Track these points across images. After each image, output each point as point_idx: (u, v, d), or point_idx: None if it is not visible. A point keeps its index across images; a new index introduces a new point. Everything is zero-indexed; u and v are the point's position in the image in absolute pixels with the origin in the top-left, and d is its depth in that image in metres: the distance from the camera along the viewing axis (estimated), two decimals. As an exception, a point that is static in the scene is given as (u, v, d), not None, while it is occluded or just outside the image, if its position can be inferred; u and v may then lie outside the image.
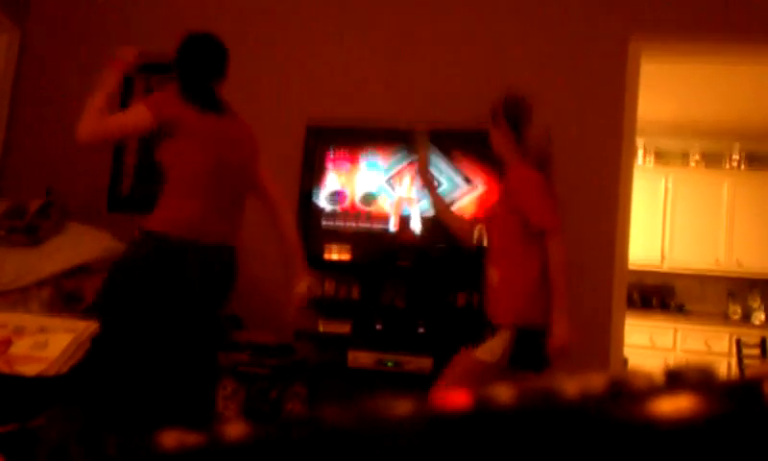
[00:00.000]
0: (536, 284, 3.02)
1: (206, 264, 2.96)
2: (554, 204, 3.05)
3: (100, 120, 2.90)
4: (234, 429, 0.28)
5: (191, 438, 0.29)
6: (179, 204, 2.95)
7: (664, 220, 7.38)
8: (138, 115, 2.93)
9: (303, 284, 3.30)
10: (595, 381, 0.27)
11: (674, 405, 0.26)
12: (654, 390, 0.27)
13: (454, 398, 0.28)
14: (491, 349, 3.02)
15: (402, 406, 0.28)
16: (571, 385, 0.27)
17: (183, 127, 2.94)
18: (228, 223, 3.06)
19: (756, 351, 6.07)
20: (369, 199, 4.46)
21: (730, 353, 6.77)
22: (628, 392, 0.27)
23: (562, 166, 4.37)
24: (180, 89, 3.03)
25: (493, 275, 3.13)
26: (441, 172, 4.40)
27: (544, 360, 2.99)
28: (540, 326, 3.01)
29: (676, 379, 0.27)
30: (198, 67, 3.07)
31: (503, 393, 0.27)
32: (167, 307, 2.91)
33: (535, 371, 2.96)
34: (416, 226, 4.37)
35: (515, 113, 3.12)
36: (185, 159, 2.96)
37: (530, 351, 2.98)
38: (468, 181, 4.35)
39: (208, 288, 2.99)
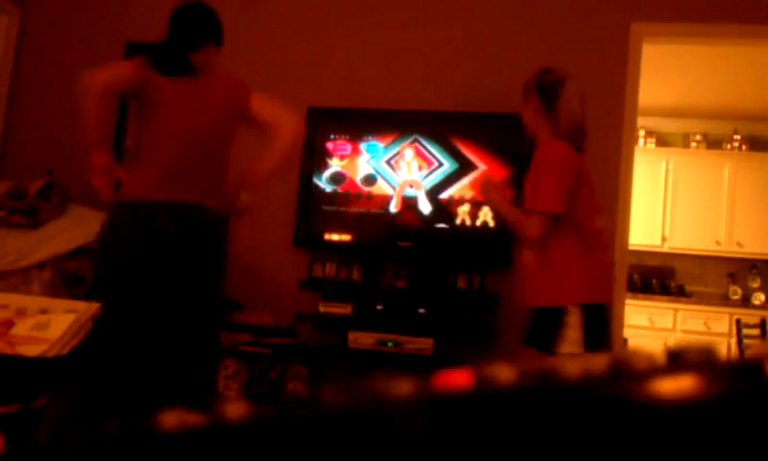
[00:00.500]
0: (576, 258, 2.93)
1: (172, 224, 2.86)
2: (565, 187, 2.93)
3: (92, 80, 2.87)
4: (235, 409, 0.29)
5: (192, 418, 0.29)
6: (140, 171, 2.92)
7: (665, 202, 7.38)
8: (124, 65, 2.99)
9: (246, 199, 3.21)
10: (596, 361, 0.27)
11: (675, 385, 0.26)
12: (655, 370, 0.27)
13: (455, 378, 0.28)
14: (571, 340, 2.90)
15: (403, 386, 0.28)
16: (572, 365, 0.27)
17: (148, 93, 2.92)
18: (197, 186, 2.93)
19: (756, 332, 6.08)
20: (369, 180, 4.46)
21: (729, 334, 6.78)
22: (629, 372, 0.27)
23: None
24: (147, 56, 3.00)
25: (528, 256, 3.04)
26: (441, 155, 4.40)
27: (606, 338, 2.91)
28: (599, 299, 2.93)
29: (677, 359, 0.27)
30: (171, 34, 3.05)
31: (504, 373, 0.27)
32: (140, 274, 2.86)
33: (599, 349, 2.85)
34: (424, 207, 4.37)
35: (546, 87, 3.04)
36: (147, 126, 2.94)
37: (598, 328, 2.90)
38: (467, 163, 4.35)
39: (181, 249, 2.88)
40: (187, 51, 3.02)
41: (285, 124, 3.07)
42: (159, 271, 2.86)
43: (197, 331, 3.01)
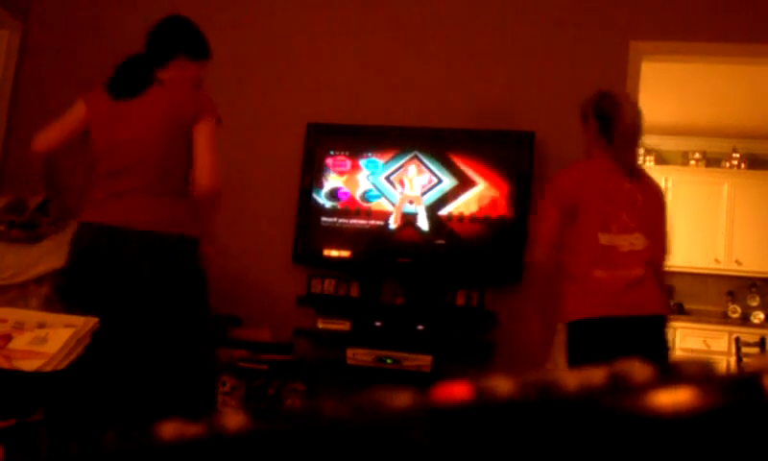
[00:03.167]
0: (570, 279, 2.99)
1: (90, 243, 2.81)
2: (550, 215, 3.04)
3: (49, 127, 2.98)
4: (234, 420, 0.29)
5: (190, 429, 0.29)
6: (87, 194, 2.93)
7: (664, 219, 7.37)
8: (75, 107, 3.00)
9: None
10: (595, 374, 0.27)
11: (673, 398, 0.26)
12: (653, 383, 0.27)
13: (455, 390, 0.28)
14: (556, 360, 3.01)
15: (402, 398, 0.28)
16: (571, 378, 0.27)
17: (91, 118, 2.95)
18: (123, 204, 2.81)
19: (756, 351, 6.07)
20: (368, 196, 4.47)
21: (729, 352, 6.77)
22: (627, 384, 0.27)
23: (563, 167, 4.37)
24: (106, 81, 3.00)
25: None
26: (441, 171, 4.40)
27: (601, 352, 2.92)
28: (589, 313, 2.95)
29: (675, 373, 0.28)
30: (143, 51, 3.01)
31: (503, 385, 0.27)
32: (73, 292, 2.83)
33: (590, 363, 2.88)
34: (423, 224, 4.37)
35: (603, 111, 3.08)
36: (92, 149, 2.94)
37: (581, 345, 2.94)
38: (466, 179, 4.35)
39: (101, 270, 2.78)
40: (152, 67, 2.94)
41: (198, 181, 2.82)
42: (87, 291, 2.82)
43: (148, 352, 2.82)
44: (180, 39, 3.00)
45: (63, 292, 2.93)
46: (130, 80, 2.92)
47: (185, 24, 3.04)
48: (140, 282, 2.78)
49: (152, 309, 2.81)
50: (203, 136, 2.82)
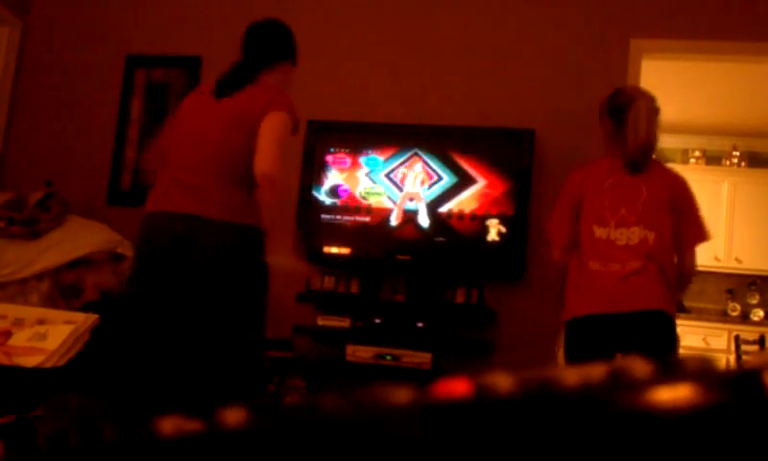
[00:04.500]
0: (572, 277, 3.03)
1: (162, 231, 2.84)
2: (560, 215, 3.10)
3: None
4: (233, 416, 0.28)
5: (190, 424, 0.29)
6: (154, 186, 3.00)
7: (664, 217, 7.37)
8: (169, 123, 3.19)
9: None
10: (595, 371, 0.27)
11: (674, 394, 0.26)
12: (654, 379, 0.27)
13: (454, 386, 0.28)
14: (557, 358, 3.06)
15: (402, 395, 0.28)
16: (571, 374, 0.27)
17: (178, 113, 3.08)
18: (194, 194, 2.84)
19: (755, 348, 6.07)
20: (368, 193, 4.46)
21: (728, 350, 6.77)
22: (627, 381, 0.27)
23: (563, 165, 4.37)
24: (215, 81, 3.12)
25: None
26: (442, 168, 4.40)
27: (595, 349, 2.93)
28: (582, 311, 2.97)
29: (675, 369, 0.28)
30: (246, 52, 3.12)
31: (503, 381, 0.27)
32: (139, 280, 2.87)
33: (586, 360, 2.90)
34: (423, 221, 4.37)
35: (616, 109, 3.10)
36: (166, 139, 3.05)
37: (578, 342, 2.97)
38: (466, 176, 4.35)
39: (167, 258, 2.82)
40: (254, 71, 3.03)
41: (255, 166, 2.84)
42: (153, 278, 2.85)
43: (205, 344, 2.91)
44: (284, 45, 3.17)
45: (134, 278, 2.94)
46: (227, 82, 3.00)
47: (288, 30, 3.22)
48: (210, 270, 2.82)
49: (217, 297, 2.85)
50: (266, 126, 2.86)
